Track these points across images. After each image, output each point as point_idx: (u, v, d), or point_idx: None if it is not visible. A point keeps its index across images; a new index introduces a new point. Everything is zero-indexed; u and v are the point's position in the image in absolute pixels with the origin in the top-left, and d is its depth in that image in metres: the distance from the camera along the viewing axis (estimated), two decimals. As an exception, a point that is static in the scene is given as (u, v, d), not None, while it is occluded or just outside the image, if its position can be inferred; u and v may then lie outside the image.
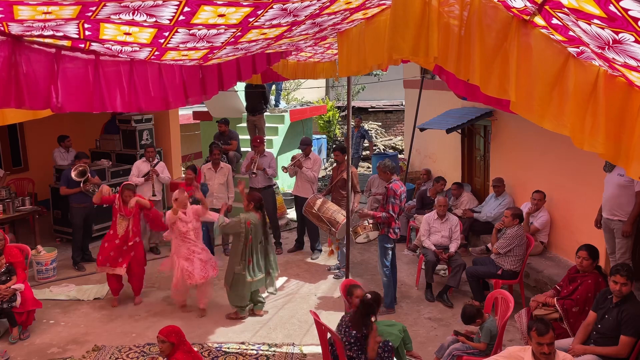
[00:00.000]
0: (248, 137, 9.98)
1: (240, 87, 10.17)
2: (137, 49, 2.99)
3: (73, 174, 6.96)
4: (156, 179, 7.65)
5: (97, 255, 6.13)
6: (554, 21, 2.14)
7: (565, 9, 1.93)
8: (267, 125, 10.21)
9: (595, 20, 1.82)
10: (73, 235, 7.31)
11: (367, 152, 13.67)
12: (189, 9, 2.38)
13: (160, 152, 9.38)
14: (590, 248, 4.49)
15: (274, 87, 11.48)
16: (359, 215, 6.13)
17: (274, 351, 5.09)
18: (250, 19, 2.75)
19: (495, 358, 3.49)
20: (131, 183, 6.72)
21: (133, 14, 2.33)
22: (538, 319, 3.44)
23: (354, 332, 4.10)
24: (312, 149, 7.75)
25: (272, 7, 2.59)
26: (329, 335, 4.22)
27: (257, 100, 9.69)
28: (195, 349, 4.99)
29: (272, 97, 11.45)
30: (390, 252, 5.83)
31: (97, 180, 7.33)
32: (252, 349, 5.13)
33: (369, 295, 4.15)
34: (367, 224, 5.89)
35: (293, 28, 3.22)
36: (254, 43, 3.45)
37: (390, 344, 4.22)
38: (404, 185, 5.89)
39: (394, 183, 5.71)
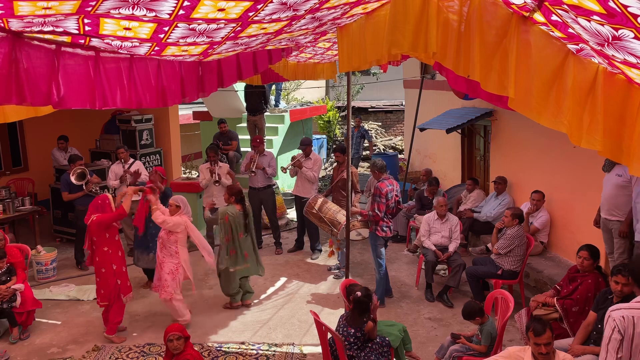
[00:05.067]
0: (248, 137, 9.99)
1: (240, 87, 10.19)
2: (137, 44, 2.99)
3: (73, 179, 6.92)
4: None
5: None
6: (554, 18, 2.14)
7: (565, 6, 1.93)
8: (267, 125, 10.22)
9: (595, 17, 1.82)
10: (77, 236, 7.29)
11: (367, 152, 13.68)
12: (188, 3, 2.38)
13: (160, 152, 9.38)
14: (592, 248, 4.48)
15: (274, 87, 11.48)
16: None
17: (274, 351, 5.08)
18: (250, 14, 2.75)
19: (495, 358, 3.48)
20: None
21: (133, 8, 2.33)
22: (535, 319, 3.43)
23: (352, 330, 4.12)
24: (312, 148, 7.75)
25: (272, 2, 2.59)
26: (329, 335, 4.22)
27: (257, 101, 9.69)
28: (195, 349, 5.00)
29: (272, 97, 11.46)
30: (381, 250, 5.96)
31: (96, 179, 7.33)
32: (252, 349, 5.12)
33: (359, 294, 4.17)
34: (356, 221, 6.09)
35: (293, 23, 3.22)
36: (253, 38, 3.46)
37: (387, 339, 4.24)
38: (393, 184, 5.95)
39: (381, 182, 5.85)
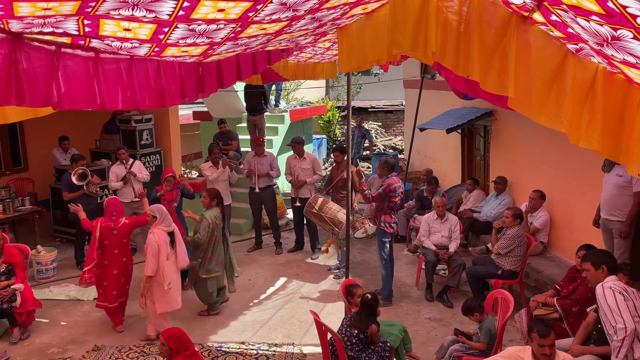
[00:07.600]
0: (248, 137, 9.99)
1: (240, 87, 10.19)
2: (137, 45, 2.99)
3: (74, 179, 6.93)
4: (135, 180, 7.45)
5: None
6: (553, 18, 2.14)
7: (564, 6, 1.93)
8: (267, 125, 10.22)
9: (594, 17, 1.83)
10: (77, 236, 7.29)
11: (367, 152, 13.69)
12: (188, 4, 2.38)
13: (160, 152, 9.38)
14: (590, 248, 4.48)
15: (274, 87, 11.48)
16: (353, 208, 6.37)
17: (274, 351, 5.08)
18: (250, 14, 2.75)
19: (495, 358, 3.48)
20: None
21: (132, 9, 2.33)
22: (539, 321, 3.43)
23: (356, 331, 4.11)
24: (303, 147, 7.70)
25: (271, 2, 2.59)
26: (329, 335, 4.22)
27: (257, 101, 9.69)
28: (195, 348, 5.00)
29: (272, 97, 11.46)
30: (387, 246, 5.99)
31: (97, 180, 7.33)
32: (252, 349, 5.12)
33: (368, 296, 4.18)
34: (364, 218, 6.13)
35: (293, 23, 3.22)
36: (253, 39, 3.46)
37: (389, 344, 4.24)
38: (400, 181, 6.04)
39: (391, 178, 5.93)
